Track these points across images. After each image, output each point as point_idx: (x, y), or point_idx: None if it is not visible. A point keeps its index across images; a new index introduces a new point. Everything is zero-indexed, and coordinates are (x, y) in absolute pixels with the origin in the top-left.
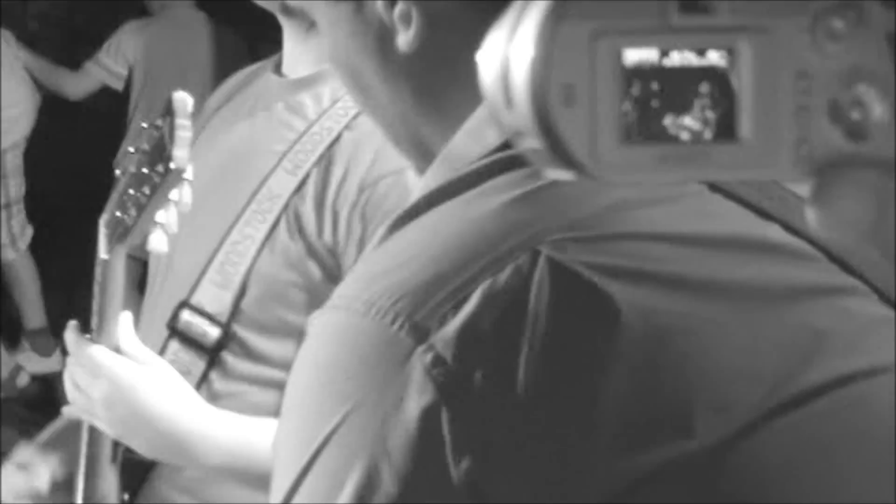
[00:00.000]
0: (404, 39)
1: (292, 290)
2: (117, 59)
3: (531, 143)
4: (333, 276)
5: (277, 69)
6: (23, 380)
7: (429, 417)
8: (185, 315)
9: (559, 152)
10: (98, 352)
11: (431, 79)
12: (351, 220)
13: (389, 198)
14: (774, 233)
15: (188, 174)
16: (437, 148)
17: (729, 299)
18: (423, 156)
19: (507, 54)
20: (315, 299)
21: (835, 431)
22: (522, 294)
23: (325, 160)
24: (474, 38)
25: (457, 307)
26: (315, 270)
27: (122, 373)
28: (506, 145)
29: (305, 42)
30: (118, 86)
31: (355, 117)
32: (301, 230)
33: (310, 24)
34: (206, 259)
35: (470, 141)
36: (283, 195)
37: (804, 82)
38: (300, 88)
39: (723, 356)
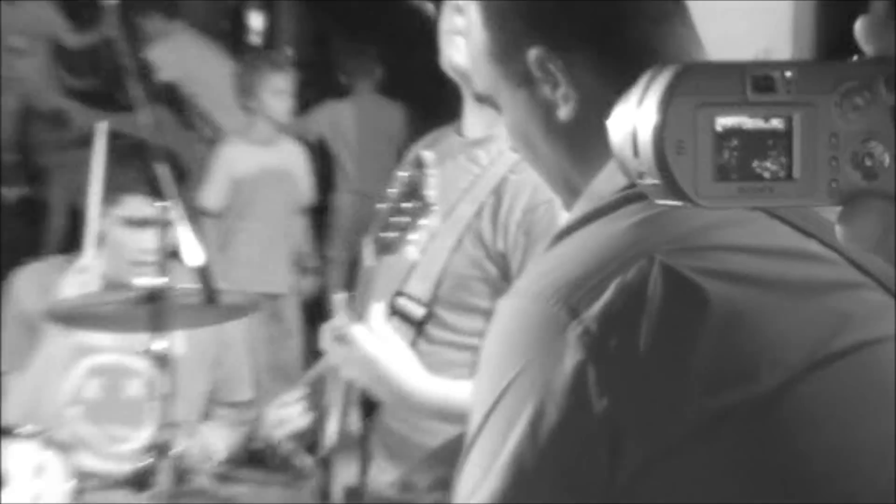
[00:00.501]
0: (564, 112)
1: (474, 282)
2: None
3: (651, 181)
4: (504, 273)
5: (458, 132)
6: None
7: (580, 370)
8: (401, 300)
9: (672, 188)
10: (357, 330)
11: (580, 139)
12: (517, 235)
13: (544, 219)
14: (813, 246)
15: (436, 207)
16: (581, 187)
17: (783, 291)
18: (570, 192)
19: (635, 119)
20: (491, 288)
21: (854, 382)
22: (643, 287)
23: (496, 194)
24: (609, 110)
25: (598, 295)
26: (491, 269)
27: (371, 346)
28: (629, 186)
29: (479, 114)
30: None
31: (515, 164)
32: (481, 241)
33: (481, 98)
34: (412, 262)
35: (605, 183)
36: (464, 218)
37: (834, 140)
38: (476, 146)
39: (778, 329)
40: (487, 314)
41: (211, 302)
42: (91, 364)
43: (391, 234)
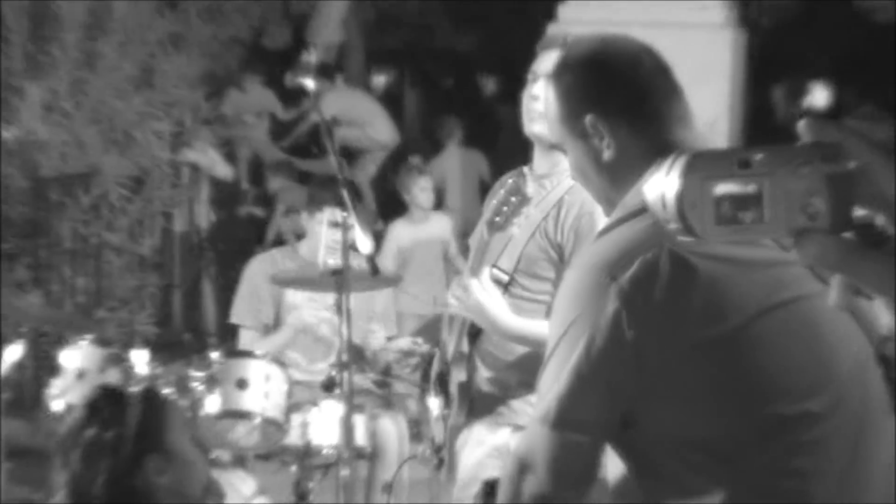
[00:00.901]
0: (607, 156)
1: (541, 261)
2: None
3: (675, 226)
4: (560, 256)
5: (531, 170)
6: None
7: (617, 314)
8: (494, 270)
9: (689, 231)
10: (473, 283)
11: (617, 173)
12: (569, 233)
13: (586, 225)
14: (773, 252)
15: (534, 201)
16: (617, 202)
17: (743, 266)
18: (609, 204)
19: (664, 186)
20: (552, 265)
21: (789, 323)
22: (656, 263)
23: (557, 207)
24: (634, 154)
25: (628, 268)
26: (553, 254)
27: (480, 295)
28: None
29: (544, 158)
30: None
31: (569, 189)
32: (546, 236)
33: (551, 147)
34: (504, 245)
35: (632, 199)
36: (536, 221)
37: (790, 196)
38: (543, 178)
39: (739, 289)
40: (549, 281)
41: (375, 274)
42: (297, 315)
43: (500, 219)
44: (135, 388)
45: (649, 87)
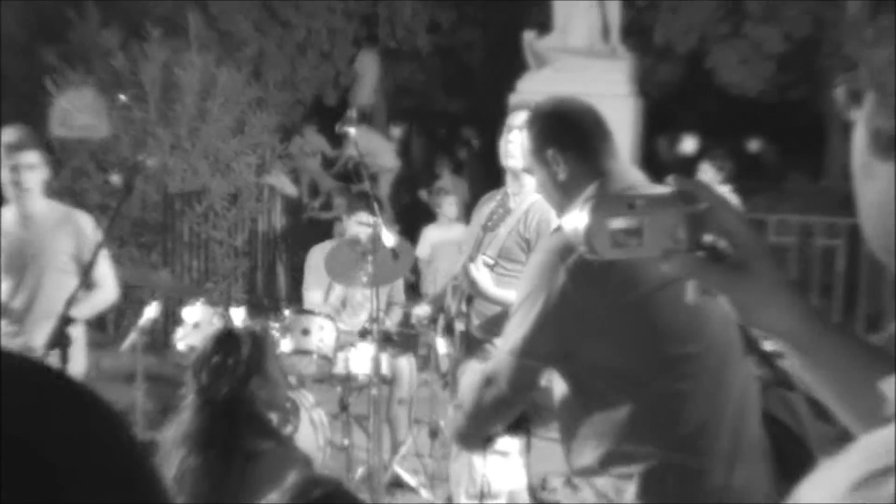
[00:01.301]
0: (561, 176)
1: (516, 250)
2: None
3: (584, 248)
4: (529, 248)
5: (505, 190)
6: None
7: (565, 284)
8: (484, 258)
9: (593, 251)
10: (472, 266)
11: (567, 189)
12: (534, 233)
13: (546, 224)
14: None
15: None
16: (567, 209)
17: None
18: (561, 211)
19: (577, 221)
20: (524, 253)
21: (680, 294)
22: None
23: (525, 213)
24: (579, 176)
25: (572, 252)
26: (524, 245)
27: (475, 272)
28: None
29: (517, 181)
30: None
31: (534, 202)
32: (519, 234)
33: (520, 173)
34: (492, 240)
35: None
36: (512, 224)
37: (663, 229)
38: (515, 195)
39: (648, 269)
40: (520, 263)
41: (396, 258)
42: (339, 288)
43: (491, 223)
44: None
45: (590, 131)
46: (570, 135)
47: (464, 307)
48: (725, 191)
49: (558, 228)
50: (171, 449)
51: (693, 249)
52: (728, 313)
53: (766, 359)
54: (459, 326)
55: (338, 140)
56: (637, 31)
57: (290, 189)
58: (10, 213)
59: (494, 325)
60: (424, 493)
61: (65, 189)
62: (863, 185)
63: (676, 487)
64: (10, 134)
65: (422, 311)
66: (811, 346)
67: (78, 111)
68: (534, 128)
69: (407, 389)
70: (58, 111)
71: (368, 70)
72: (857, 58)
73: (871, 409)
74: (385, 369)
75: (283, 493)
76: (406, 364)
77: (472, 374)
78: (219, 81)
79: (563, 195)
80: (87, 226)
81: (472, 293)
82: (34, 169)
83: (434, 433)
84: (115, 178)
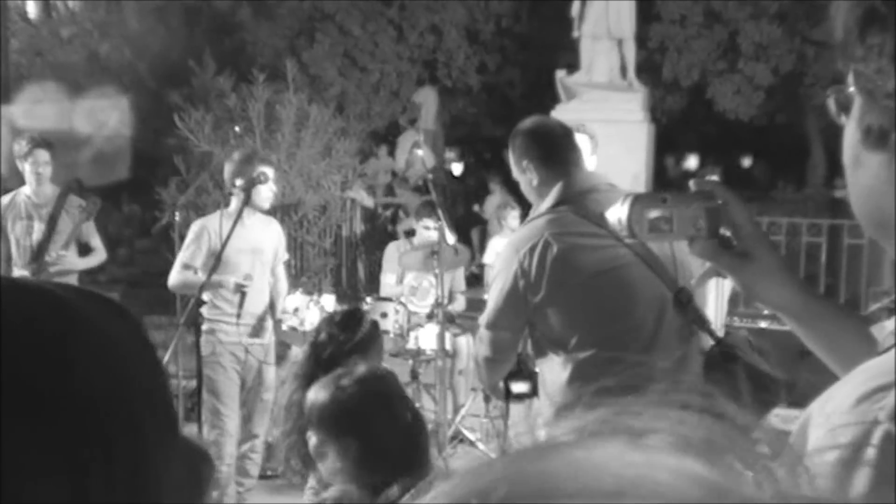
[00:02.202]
0: (535, 182)
1: None
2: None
3: (626, 235)
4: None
5: None
6: None
7: (517, 270)
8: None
9: (632, 235)
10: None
11: (540, 193)
12: None
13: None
14: (601, 232)
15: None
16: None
17: (591, 248)
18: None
19: (619, 212)
20: None
21: (614, 281)
22: (538, 243)
23: None
24: (547, 182)
25: (526, 245)
26: None
27: None
28: (546, 211)
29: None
30: None
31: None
32: None
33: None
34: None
35: (540, 207)
36: None
37: (687, 218)
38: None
39: (586, 258)
40: None
41: (457, 254)
42: (409, 277)
43: None
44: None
45: (556, 144)
46: (538, 149)
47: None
48: None
49: (524, 225)
50: (285, 383)
51: (713, 237)
52: (658, 299)
53: (714, 336)
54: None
55: (409, 161)
56: (649, 68)
57: (367, 202)
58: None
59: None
60: (481, 446)
61: (190, 203)
62: (854, 175)
63: None
64: (25, 141)
65: None
66: (804, 314)
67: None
68: (513, 144)
69: (465, 362)
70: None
71: (427, 101)
72: (847, 71)
73: (852, 355)
74: (448, 345)
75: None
76: (465, 341)
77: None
78: (310, 116)
79: (537, 196)
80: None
81: None
82: (48, 164)
83: (487, 398)
84: (238, 186)
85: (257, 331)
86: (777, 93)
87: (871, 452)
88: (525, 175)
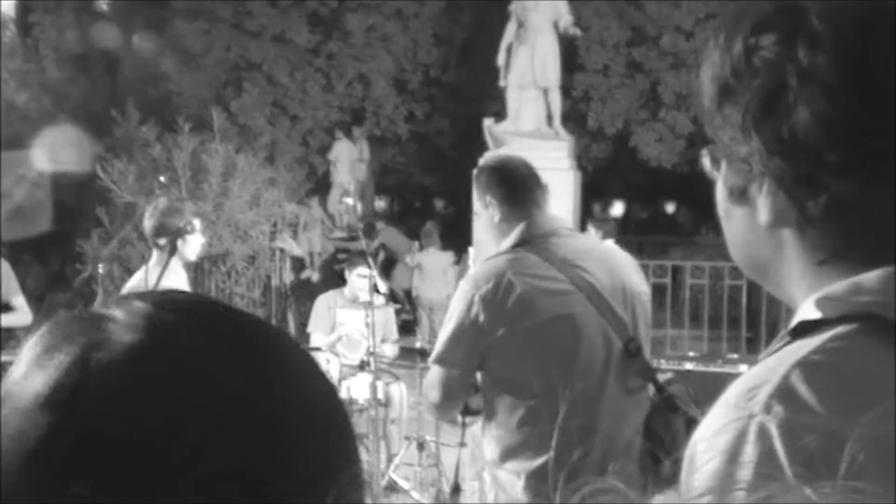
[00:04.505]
0: (496, 219)
1: None
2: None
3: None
4: None
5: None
6: None
7: (477, 308)
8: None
9: None
10: None
11: (502, 230)
12: None
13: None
14: (560, 276)
15: None
16: (500, 246)
17: (549, 292)
18: (496, 246)
19: None
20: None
21: (567, 326)
22: (500, 281)
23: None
24: (509, 220)
25: (487, 283)
26: None
27: None
28: (509, 249)
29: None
30: None
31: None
32: None
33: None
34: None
35: (503, 245)
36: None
37: None
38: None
39: (542, 302)
40: None
41: (387, 304)
42: (343, 328)
43: None
44: None
45: (521, 184)
46: (503, 186)
47: None
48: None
49: (486, 262)
50: None
51: None
52: (607, 347)
53: (658, 386)
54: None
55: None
56: (574, 117)
57: (297, 251)
58: None
59: None
60: (415, 495)
61: (113, 255)
62: (728, 226)
63: (555, 484)
64: None
65: None
66: None
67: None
68: (478, 179)
69: (398, 410)
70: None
71: (340, 156)
72: (712, 136)
73: None
74: (381, 394)
75: None
76: (397, 389)
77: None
78: (238, 165)
79: (498, 234)
80: (6, 269)
81: None
82: None
83: (421, 446)
84: (163, 243)
85: None
86: (698, 140)
87: (749, 449)
88: (487, 210)
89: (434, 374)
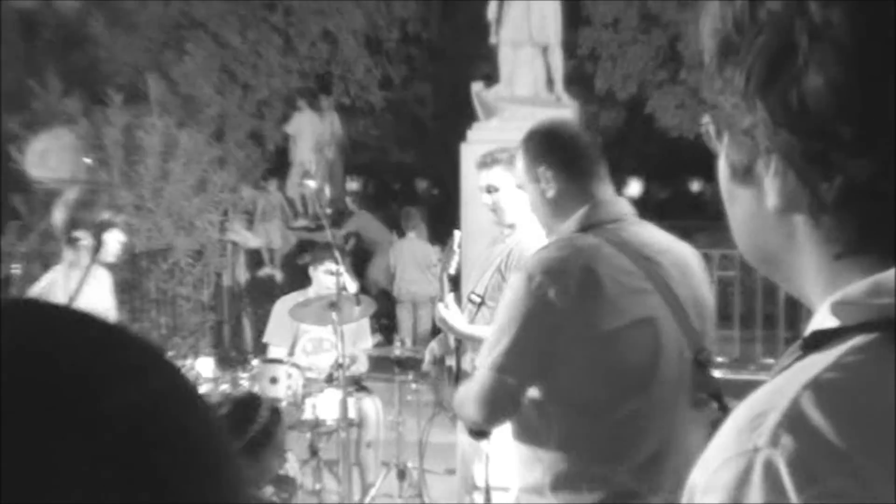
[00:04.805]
0: (550, 194)
1: (498, 291)
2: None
3: None
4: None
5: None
6: None
7: (543, 308)
8: (472, 295)
9: None
10: (441, 306)
11: (557, 208)
12: (512, 270)
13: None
14: (645, 284)
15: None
16: (555, 229)
17: (630, 290)
18: (549, 231)
19: None
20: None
21: (646, 331)
22: (580, 275)
23: (507, 255)
24: (568, 196)
25: (556, 277)
26: (504, 283)
27: (444, 313)
28: (579, 233)
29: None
30: None
31: (515, 244)
32: (501, 273)
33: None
34: (480, 273)
35: (566, 229)
36: (496, 264)
37: None
38: (497, 241)
39: (624, 303)
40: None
41: (359, 304)
42: (308, 336)
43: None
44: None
45: (580, 153)
46: (560, 153)
47: (453, 342)
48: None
49: (540, 251)
50: None
51: None
52: (686, 352)
53: (722, 404)
54: (450, 361)
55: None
56: (579, 80)
57: (253, 242)
58: None
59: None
60: None
61: (34, 252)
62: (731, 210)
63: None
64: None
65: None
66: None
67: (53, 151)
68: (528, 144)
69: (374, 432)
70: (32, 153)
71: (302, 131)
72: (712, 102)
73: None
74: (352, 413)
75: None
76: (372, 406)
77: (467, 386)
78: (180, 143)
79: (552, 213)
80: None
81: (443, 330)
82: None
83: (402, 474)
84: (84, 239)
85: None
86: None
87: (753, 491)
88: (537, 184)
89: (482, 384)
